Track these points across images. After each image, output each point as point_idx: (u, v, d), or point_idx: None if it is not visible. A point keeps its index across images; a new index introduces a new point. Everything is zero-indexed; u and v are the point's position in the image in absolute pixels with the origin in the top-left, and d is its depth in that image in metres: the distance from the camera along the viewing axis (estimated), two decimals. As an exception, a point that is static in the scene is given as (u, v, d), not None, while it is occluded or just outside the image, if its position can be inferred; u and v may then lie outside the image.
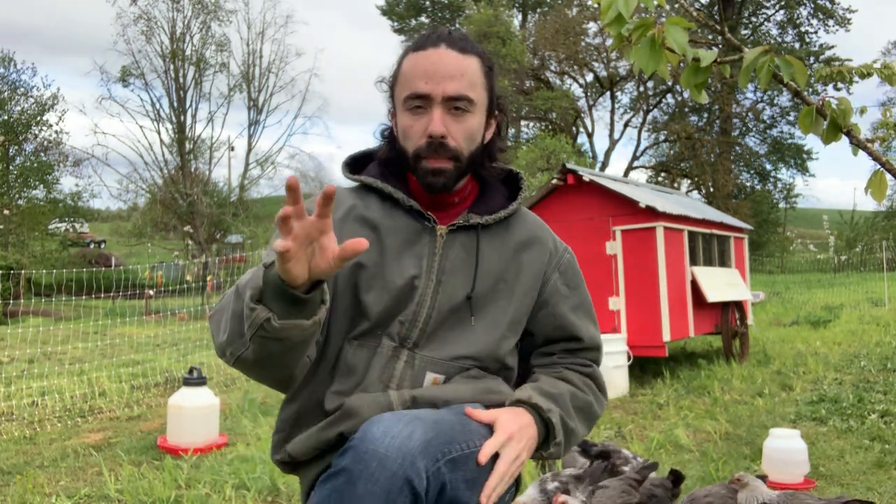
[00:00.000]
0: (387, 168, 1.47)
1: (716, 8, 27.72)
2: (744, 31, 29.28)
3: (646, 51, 1.59)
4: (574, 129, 27.27)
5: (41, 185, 21.59)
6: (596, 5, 1.64)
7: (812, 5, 28.93)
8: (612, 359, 5.60)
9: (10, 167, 21.46)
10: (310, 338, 1.20)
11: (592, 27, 25.15)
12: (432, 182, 1.37)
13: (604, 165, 26.60)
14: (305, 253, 1.09)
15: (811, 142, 32.38)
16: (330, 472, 1.13)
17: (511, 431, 1.26)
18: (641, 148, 28.05)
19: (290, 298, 1.13)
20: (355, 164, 1.53)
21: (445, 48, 1.36)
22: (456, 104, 1.35)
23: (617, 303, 6.17)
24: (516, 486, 1.42)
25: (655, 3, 1.60)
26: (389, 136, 1.48)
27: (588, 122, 27.58)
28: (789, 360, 6.88)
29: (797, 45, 29.05)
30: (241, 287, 1.23)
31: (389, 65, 1.44)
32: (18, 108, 21.86)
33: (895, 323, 9.67)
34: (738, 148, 28.71)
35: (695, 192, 27.41)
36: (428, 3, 32.55)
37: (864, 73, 1.82)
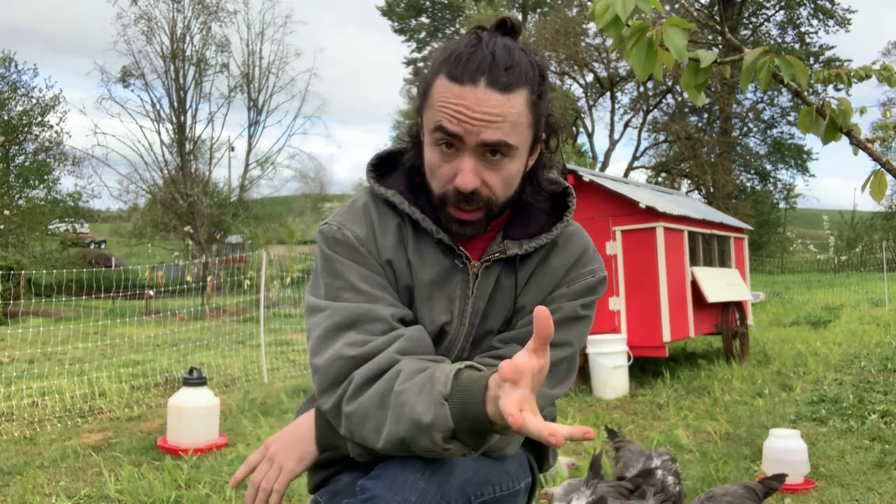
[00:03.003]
0: (414, 180, 1.30)
1: (716, 8, 27.72)
2: (744, 32, 29.29)
3: (642, 54, 1.59)
4: (574, 129, 27.26)
5: (41, 185, 21.61)
6: (594, 11, 1.63)
7: (812, 5, 28.95)
8: (612, 359, 5.61)
9: (10, 167, 21.47)
10: None
11: (592, 27, 25.14)
12: (458, 231, 1.21)
13: (604, 166, 26.61)
14: None
15: (811, 142, 32.40)
16: (361, 498, 1.09)
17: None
18: (641, 148, 28.07)
19: (493, 433, 1.04)
20: (380, 167, 1.36)
21: (485, 88, 1.12)
22: (492, 149, 1.15)
23: (617, 303, 6.17)
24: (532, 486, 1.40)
25: (651, 6, 1.60)
26: (416, 141, 1.29)
27: (588, 122, 27.60)
28: (789, 360, 6.87)
29: (797, 46, 29.06)
30: (400, 403, 1.06)
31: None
32: (20, 108, 21.89)
33: (895, 323, 9.67)
34: (738, 148, 28.71)
35: (695, 192, 27.42)
36: (428, 3, 32.55)
37: (863, 76, 1.82)
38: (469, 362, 1.09)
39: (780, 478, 2.46)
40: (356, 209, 1.30)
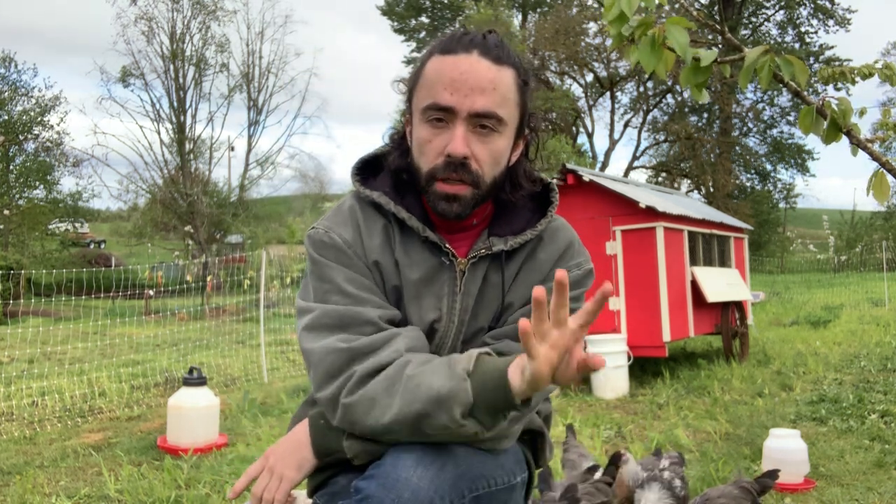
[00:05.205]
0: (399, 181, 1.31)
1: (716, 8, 27.71)
2: (744, 31, 29.27)
3: (647, 49, 1.59)
4: (574, 129, 27.26)
5: (41, 185, 21.60)
6: (596, 5, 1.63)
7: (812, 5, 28.93)
8: (612, 359, 5.60)
9: (11, 167, 21.46)
10: None
11: (592, 27, 25.15)
12: (444, 210, 1.21)
13: (604, 165, 26.61)
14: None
15: (812, 141, 32.39)
16: (356, 499, 1.09)
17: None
18: (641, 148, 28.09)
19: (511, 411, 1.07)
20: (365, 170, 1.37)
21: (478, 56, 1.19)
22: (483, 122, 1.19)
23: (617, 303, 6.17)
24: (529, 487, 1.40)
25: (657, 1, 1.60)
26: (401, 143, 1.32)
27: (588, 122, 27.60)
28: (789, 360, 6.87)
29: (797, 46, 29.05)
30: (414, 385, 1.09)
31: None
32: (19, 108, 21.88)
33: (895, 323, 9.67)
34: (738, 148, 28.71)
35: (695, 192, 27.42)
36: (428, 3, 32.54)
37: (866, 74, 1.82)
38: (489, 350, 1.12)
39: (774, 474, 2.46)
40: (342, 212, 1.32)
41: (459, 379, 1.06)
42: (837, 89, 1.91)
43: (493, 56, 1.20)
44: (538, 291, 0.92)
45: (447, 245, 1.27)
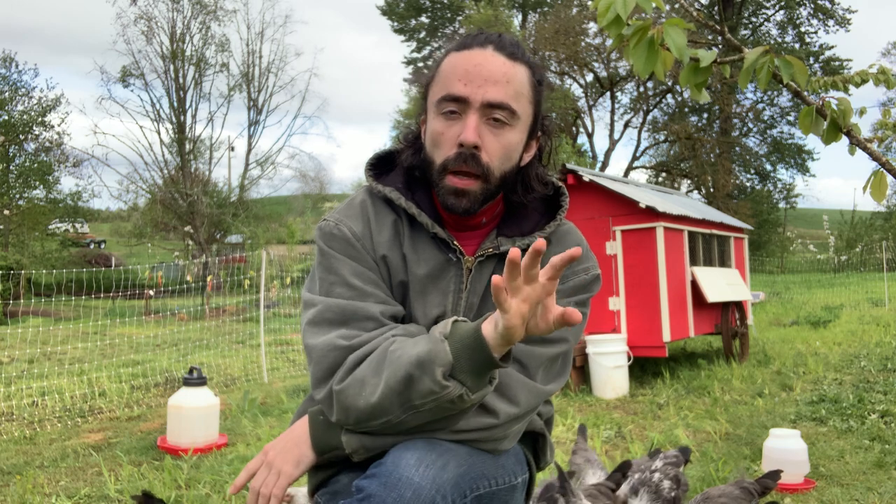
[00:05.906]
0: (412, 177, 1.33)
1: (716, 8, 27.71)
2: (744, 31, 29.29)
3: (643, 53, 1.59)
4: (574, 129, 27.27)
5: (41, 185, 21.59)
6: (595, 8, 1.63)
7: (812, 5, 28.94)
8: (612, 359, 5.61)
9: (11, 167, 21.46)
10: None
11: (592, 27, 25.17)
12: (453, 204, 1.23)
13: (604, 165, 26.62)
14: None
15: (812, 141, 32.39)
16: (358, 498, 1.09)
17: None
18: (641, 148, 28.09)
19: (491, 368, 1.07)
20: (379, 166, 1.39)
21: (493, 51, 1.22)
22: (495, 114, 1.20)
23: (617, 303, 6.17)
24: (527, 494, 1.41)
25: (654, 4, 1.60)
26: (415, 142, 1.34)
27: (588, 122, 27.60)
28: (789, 360, 6.87)
29: (797, 46, 29.06)
30: (397, 357, 1.12)
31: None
32: (20, 108, 21.87)
33: (895, 323, 9.67)
34: (738, 148, 28.71)
35: (695, 192, 27.42)
36: (428, 3, 32.55)
37: (858, 82, 1.82)
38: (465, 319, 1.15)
39: (776, 475, 2.46)
40: (353, 206, 1.33)
41: (437, 341, 1.08)
42: (837, 89, 1.91)
43: (507, 52, 1.23)
44: (513, 253, 0.94)
45: (455, 242, 1.28)
